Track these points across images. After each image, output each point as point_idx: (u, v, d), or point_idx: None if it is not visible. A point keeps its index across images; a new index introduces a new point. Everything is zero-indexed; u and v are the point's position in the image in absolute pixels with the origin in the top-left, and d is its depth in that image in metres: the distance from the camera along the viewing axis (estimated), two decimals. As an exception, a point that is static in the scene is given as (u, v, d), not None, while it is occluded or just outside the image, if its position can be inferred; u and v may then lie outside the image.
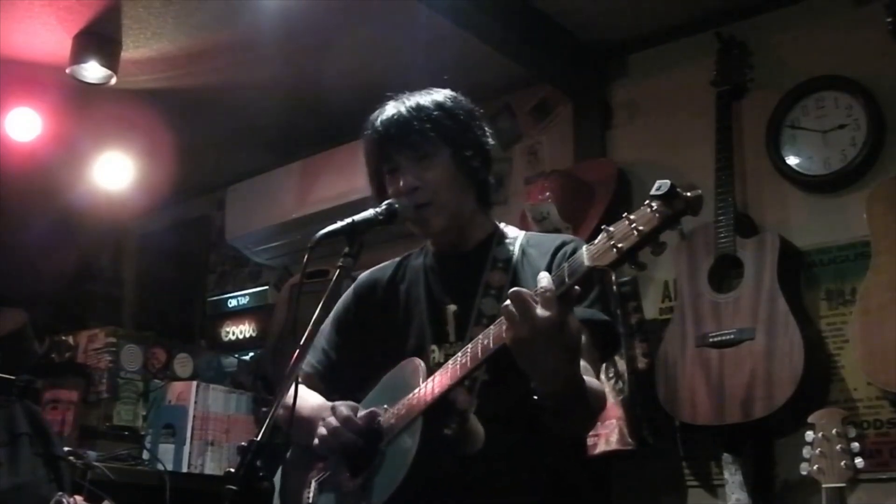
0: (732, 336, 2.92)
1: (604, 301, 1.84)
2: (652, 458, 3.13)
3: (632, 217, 1.41)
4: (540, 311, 1.48)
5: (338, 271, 1.78)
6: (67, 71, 3.57)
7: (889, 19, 2.90)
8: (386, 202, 1.88)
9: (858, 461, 2.42)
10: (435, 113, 1.91)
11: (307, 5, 3.34)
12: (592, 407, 1.71)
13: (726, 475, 2.96)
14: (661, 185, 1.39)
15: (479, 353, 1.64)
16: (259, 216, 4.35)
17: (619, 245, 1.42)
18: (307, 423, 1.87)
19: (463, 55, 3.52)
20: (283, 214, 4.22)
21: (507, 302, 1.51)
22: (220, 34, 3.59)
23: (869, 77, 3.05)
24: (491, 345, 1.62)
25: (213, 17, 3.48)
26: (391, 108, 1.94)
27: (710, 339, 2.96)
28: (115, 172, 4.38)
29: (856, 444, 2.45)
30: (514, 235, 1.98)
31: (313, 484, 1.90)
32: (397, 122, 1.91)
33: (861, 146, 3.02)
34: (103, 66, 3.55)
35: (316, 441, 1.82)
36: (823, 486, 2.45)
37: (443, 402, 1.71)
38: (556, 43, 3.55)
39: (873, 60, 3.05)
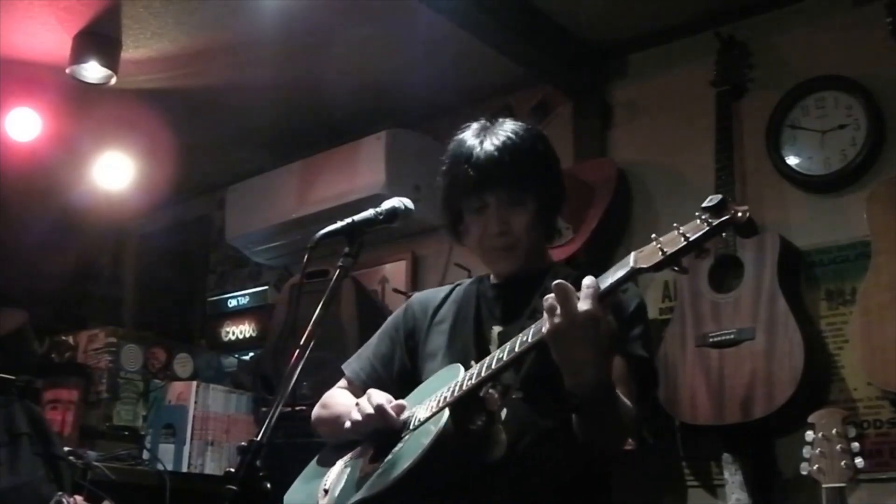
0: (732, 336, 2.92)
1: (646, 340, 1.86)
2: (652, 458, 3.13)
3: (681, 228, 1.49)
4: (580, 304, 1.53)
5: (338, 271, 1.78)
6: (67, 71, 3.57)
7: (889, 19, 2.90)
8: (387, 202, 1.88)
9: (858, 461, 2.42)
10: (531, 158, 1.92)
11: (307, 5, 3.34)
12: (622, 418, 1.71)
13: (726, 475, 2.96)
14: (713, 199, 1.48)
15: (517, 347, 1.66)
16: (259, 216, 4.35)
17: (666, 249, 1.49)
18: (337, 422, 1.91)
19: (463, 55, 3.52)
20: (283, 214, 4.22)
21: (550, 294, 1.55)
22: (220, 34, 3.59)
23: (869, 77, 3.05)
24: (529, 339, 1.64)
25: (213, 17, 3.48)
26: (485, 144, 1.91)
27: (710, 339, 2.96)
28: (115, 172, 4.38)
29: (856, 444, 2.45)
30: (568, 272, 1.97)
31: (337, 466, 1.93)
32: (496, 162, 1.88)
33: (861, 146, 3.02)
34: (103, 66, 3.55)
35: (348, 424, 1.84)
36: (823, 486, 2.44)
37: (473, 398, 1.72)
38: (556, 43, 3.55)
39: (873, 60, 3.04)
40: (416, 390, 1.92)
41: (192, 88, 3.96)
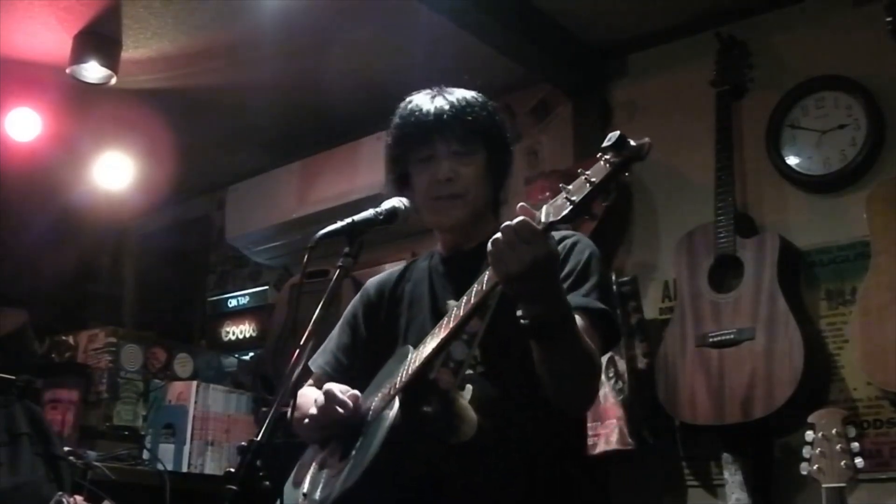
0: (732, 336, 2.92)
1: (602, 290, 1.85)
2: (652, 458, 3.13)
3: (587, 172, 1.49)
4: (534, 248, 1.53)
5: (338, 271, 1.78)
6: (67, 71, 3.57)
7: (889, 19, 2.90)
8: (387, 202, 1.89)
9: (858, 461, 2.42)
10: (482, 112, 1.97)
11: (307, 5, 3.34)
12: (585, 350, 1.69)
13: (726, 475, 2.96)
14: (611, 137, 1.47)
15: (466, 304, 1.66)
16: (259, 216, 4.35)
17: (573, 198, 1.49)
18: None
19: (463, 55, 3.52)
20: (283, 214, 4.22)
21: (497, 236, 1.55)
22: (220, 34, 3.59)
23: (869, 77, 3.05)
24: (472, 299, 1.64)
25: (213, 17, 3.48)
26: (437, 99, 1.97)
27: (710, 339, 2.96)
28: (115, 172, 4.38)
29: (856, 444, 2.45)
30: None
31: (311, 468, 1.93)
32: (449, 112, 1.94)
33: (861, 146, 3.02)
34: (103, 66, 3.55)
35: (306, 420, 1.85)
36: (823, 486, 2.45)
37: (423, 379, 1.72)
38: (556, 43, 3.55)
39: (873, 60, 3.05)
40: (374, 379, 1.91)
41: (192, 88, 3.96)
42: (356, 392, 1.84)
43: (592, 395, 1.85)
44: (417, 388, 1.72)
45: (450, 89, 2.00)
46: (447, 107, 1.94)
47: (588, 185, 1.48)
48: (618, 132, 1.48)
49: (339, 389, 1.83)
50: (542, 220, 1.53)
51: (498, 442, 1.73)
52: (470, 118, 1.94)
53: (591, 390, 1.83)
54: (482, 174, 1.96)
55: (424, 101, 1.98)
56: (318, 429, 1.87)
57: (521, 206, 1.58)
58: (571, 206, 1.49)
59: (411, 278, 2.06)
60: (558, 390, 1.72)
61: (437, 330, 1.73)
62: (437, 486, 1.72)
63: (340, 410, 1.80)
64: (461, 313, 1.67)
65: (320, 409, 1.82)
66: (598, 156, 1.49)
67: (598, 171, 1.49)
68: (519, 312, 1.61)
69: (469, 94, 2.00)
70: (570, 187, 1.51)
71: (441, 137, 1.93)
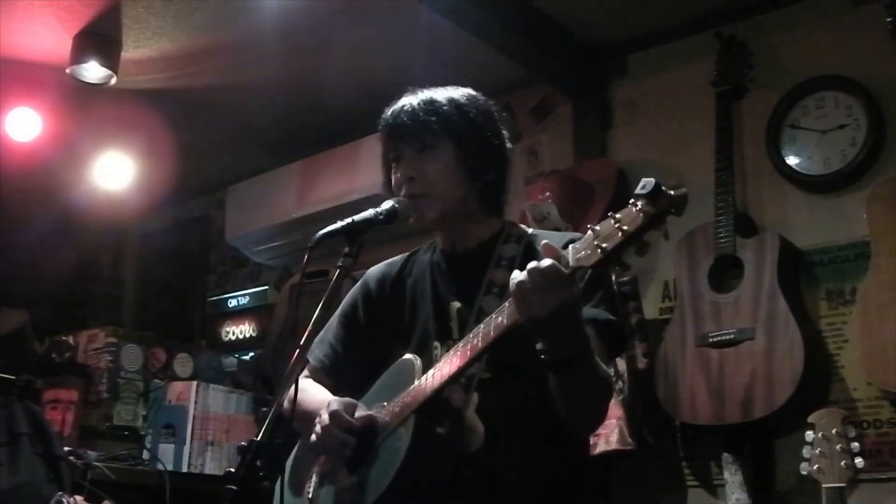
0: (732, 336, 2.92)
1: (610, 301, 1.84)
2: (652, 458, 3.13)
3: (617, 216, 1.42)
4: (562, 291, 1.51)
5: (338, 271, 1.78)
6: (67, 71, 3.57)
7: (889, 19, 2.90)
8: (387, 202, 1.89)
9: (858, 461, 2.42)
10: (444, 107, 1.92)
11: (307, 5, 3.34)
12: (601, 380, 1.70)
13: (726, 475, 2.96)
14: (645, 184, 1.38)
15: (486, 335, 1.64)
16: (259, 216, 4.35)
17: (604, 245, 1.42)
18: (310, 418, 1.88)
19: (463, 55, 3.52)
20: (283, 214, 4.22)
21: (523, 278, 1.51)
22: (220, 34, 3.59)
23: (869, 77, 3.05)
24: (503, 322, 1.61)
25: (213, 17, 3.48)
26: (404, 100, 1.96)
27: (710, 339, 2.96)
28: (115, 172, 4.38)
29: (856, 444, 2.45)
30: (521, 234, 1.97)
31: (314, 477, 1.92)
32: (406, 112, 1.92)
33: (861, 146, 3.02)
34: (103, 66, 3.55)
35: (312, 438, 1.83)
36: (823, 486, 2.45)
37: (437, 399, 1.71)
38: (556, 43, 3.55)
39: (873, 60, 3.05)
40: (375, 385, 1.90)
41: (192, 88, 3.96)
42: (365, 415, 1.80)
43: (604, 417, 1.85)
44: (432, 410, 1.71)
45: (428, 89, 1.97)
46: (406, 107, 1.93)
47: (620, 233, 1.40)
48: (653, 180, 1.38)
49: (342, 405, 1.79)
50: (571, 263, 1.48)
51: (503, 449, 1.74)
52: (428, 115, 1.90)
53: (604, 413, 1.84)
54: (451, 170, 1.91)
55: (396, 103, 1.98)
56: (322, 449, 1.84)
57: (546, 244, 1.55)
58: (602, 254, 1.43)
59: (413, 272, 2.05)
60: (572, 415, 1.73)
61: (451, 355, 1.71)
62: (443, 494, 1.72)
63: (344, 435, 1.76)
64: (480, 344, 1.65)
65: (323, 429, 1.78)
66: (630, 201, 1.40)
67: (630, 219, 1.40)
68: (539, 346, 1.60)
69: (440, 93, 1.95)
70: (599, 229, 1.43)
71: (401, 138, 1.93)
